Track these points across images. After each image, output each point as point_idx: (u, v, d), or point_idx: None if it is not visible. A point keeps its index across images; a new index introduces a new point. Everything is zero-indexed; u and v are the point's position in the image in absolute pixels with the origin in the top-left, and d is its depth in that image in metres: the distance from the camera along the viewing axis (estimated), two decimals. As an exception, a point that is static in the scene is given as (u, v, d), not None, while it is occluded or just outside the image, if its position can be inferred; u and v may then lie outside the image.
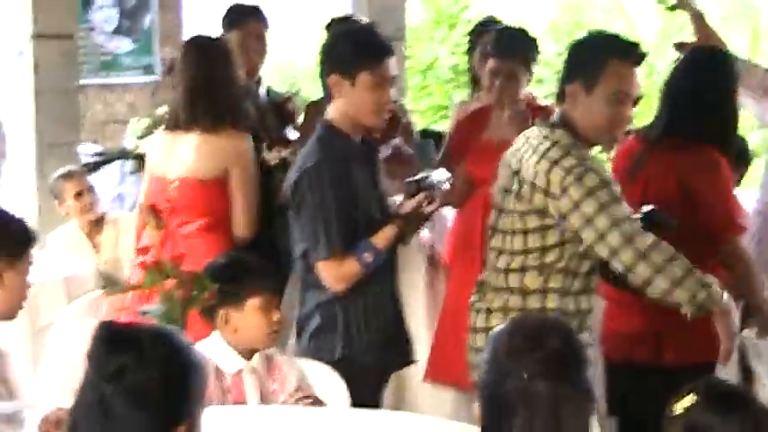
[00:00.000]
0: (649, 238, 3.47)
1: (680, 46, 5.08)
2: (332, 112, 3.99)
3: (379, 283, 4.07)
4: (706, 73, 4.33)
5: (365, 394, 4.00)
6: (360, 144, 4.06)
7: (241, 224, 4.63)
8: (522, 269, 3.60)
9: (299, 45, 10.42)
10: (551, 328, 2.45)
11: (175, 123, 4.70)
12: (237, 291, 3.44)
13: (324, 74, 4.02)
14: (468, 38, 6.25)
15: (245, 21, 5.61)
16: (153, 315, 2.92)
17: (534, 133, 3.65)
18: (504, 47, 5.13)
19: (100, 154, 7.36)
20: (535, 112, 5.22)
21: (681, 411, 2.60)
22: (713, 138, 4.20)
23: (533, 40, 5.27)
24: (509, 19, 11.24)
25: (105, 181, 7.02)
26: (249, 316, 3.48)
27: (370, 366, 4.10)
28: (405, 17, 7.59)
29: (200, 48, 4.77)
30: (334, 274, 3.91)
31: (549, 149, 3.53)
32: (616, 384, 4.27)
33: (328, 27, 5.76)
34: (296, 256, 4.09)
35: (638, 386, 4.10)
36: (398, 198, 4.21)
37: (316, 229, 3.86)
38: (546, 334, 2.40)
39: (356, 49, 3.95)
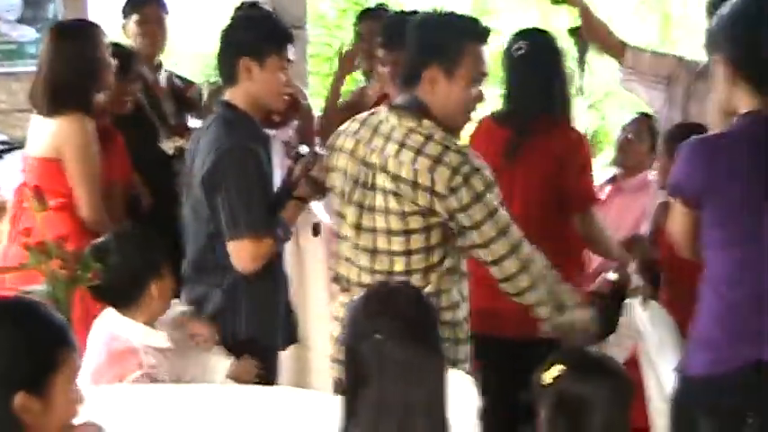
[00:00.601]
0: (528, 247, 3.57)
1: (572, 32, 5.24)
2: (235, 94, 4.09)
3: (280, 265, 4.17)
4: (548, 56, 4.51)
5: (270, 373, 4.16)
6: (258, 126, 4.19)
7: (80, 205, 4.63)
8: (408, 272, 3.56)
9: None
10: (404, 293, 2.56)
11: (35, 105, 4.73)
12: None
13: (229, 57, 4.11)
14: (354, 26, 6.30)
15: (144, 6, 5.70)
16: (37, 295, 2.99)
17: (390, 123, 3.56)
18: (394, 37, 5.21)
19: (4, 142, 7.39)
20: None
21: (549, 381, 2.72)
22: (564, 113, 4.42)
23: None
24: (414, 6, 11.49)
25: (9, 169, 7.04)
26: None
27: (271, 346, 4.21)
28: (305, 5, 7.66)
29: (56, 34, 4.82)
30: (253, 252, 3.98)
31: (424, 145, 3.48)
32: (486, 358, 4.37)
33: (237, 12, 5.81)
34: (192, 239, 4.16)
35: (508, 359, 4.22)
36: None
37: (237, 209, 3.93)
38: (398, 298, 2.51)
39: (266, 33, 4.10)
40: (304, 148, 4.54)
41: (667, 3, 13.45)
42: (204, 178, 4.00)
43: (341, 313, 3.72)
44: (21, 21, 7.90)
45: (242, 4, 5.91)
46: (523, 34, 4.80)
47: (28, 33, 7.73)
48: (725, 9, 3.44)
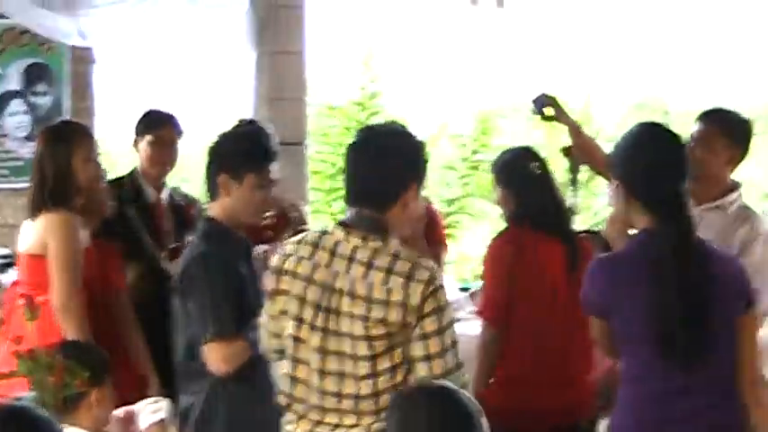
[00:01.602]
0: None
1: (565, 151, 5.42)
2: (215, 209, 4.22)
3: (263, 370, 4.18)
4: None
5: None
6: (240, 238, 4.30)
7: (52, 290, 4.65)
8: (375, 394, 3.52)
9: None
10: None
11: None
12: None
13: (210, 172, 4.24)
14: None
15: (159, 128, 5.80)
16: (26, 402, 3.08)
17: (351, 243, 3.51)
18: None
19: (6, 256, 7.51)
20: (432, 217, 5.68)
21: None
22: None
23: None
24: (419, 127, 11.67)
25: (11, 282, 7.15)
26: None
27: None
28: (305, 123, 7.84)
29: (42, 136, 4.95)
30: (223, 354, 4.04)
31: (393, 263, 3.47)
32: None
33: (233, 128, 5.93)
34: (178, 346, 4.26)
35: None
36: None
37: (205, 312, 4.03)
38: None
39: (245, 151, 4.21)
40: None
41: (664, 105, 13.65)
42: (177, 285, 4.13)
43: None
44: (29, 138, 8.09)
45: (240, 121, 6.06)
46: (534, 155, 5.22)
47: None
48: (623, 136, 3.94)
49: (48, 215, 4.70)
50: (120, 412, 3.98)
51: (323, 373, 3.54)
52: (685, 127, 4.91)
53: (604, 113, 14.23)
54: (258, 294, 4.19)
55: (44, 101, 8.21)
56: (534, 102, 5.51)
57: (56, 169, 4.74)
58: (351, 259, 3.49)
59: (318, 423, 3.56)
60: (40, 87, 8.18)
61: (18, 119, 8.12)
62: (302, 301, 3.56)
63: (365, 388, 3.51)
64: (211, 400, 4.13)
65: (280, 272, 3.61)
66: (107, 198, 5.14)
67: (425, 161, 3.68)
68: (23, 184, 7.89)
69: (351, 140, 3.70)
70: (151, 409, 3.94)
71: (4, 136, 8.07)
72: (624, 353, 3.86)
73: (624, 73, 15.12)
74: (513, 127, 13.57)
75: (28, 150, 8.10)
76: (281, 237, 5.36)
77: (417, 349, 3.49)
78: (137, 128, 5.87)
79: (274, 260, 3.65)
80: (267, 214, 4.95)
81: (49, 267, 4.65)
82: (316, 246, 3.56)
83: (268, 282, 3.65)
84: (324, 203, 10.73)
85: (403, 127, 3.70)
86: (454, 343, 3.53)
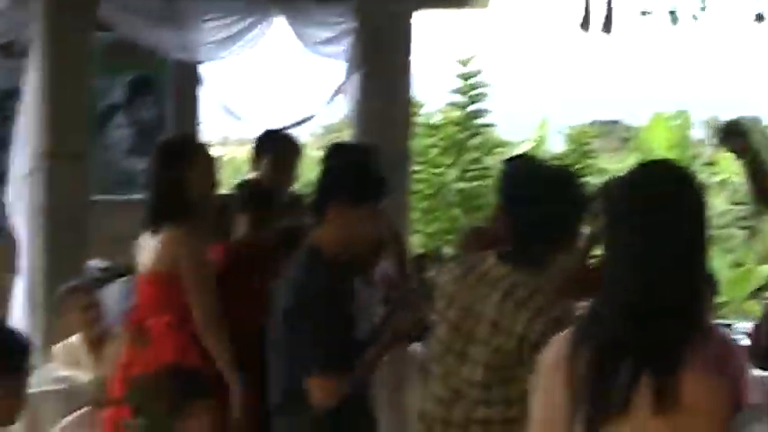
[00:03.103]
0: None
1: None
2: (323, 236, 4.14)
3: (357, 403, 4.19)
4: None
5: None
6: (349, 266, 4.23)
7: (195, 308, 4.62)
8: (485, 422, 3.52)
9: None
10: None
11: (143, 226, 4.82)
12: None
13: (323, 199, 4.17)
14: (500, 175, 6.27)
15: (279, 145, 5.80)
16: (137, 428, 3.04)
17: (499, 271, 3.52)
18: None
19: (107, 269, 7.54)
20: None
21: None
22: None
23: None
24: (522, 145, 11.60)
25: (112, 296, 7.17)
26: None
27: None
28: (408, 143, 7.78)
29: (159, 150, 4.88)
30: (326, 389, 4.00)
31: (529, 299, 3.44)
32: None
33: (333, 152, 5.86)
34: (275, 373, 4.19)
35: None
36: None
37: (311, 347, 3.98)
38: None
39: (364, 182, 4.16)
40: (393, 293, 4.58)
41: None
42: (284, 316, 4.09)
43: None
44: (132, 152, 8.15)
45: (342, 144, 5.99)
46: None
47: (137, 164, 7.91)
48: None
49: (171, 231, 4.64)
50: None
51: (447, 390, 3.56)
52: None
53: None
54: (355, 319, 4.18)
55: (148, 114, 8.26)
56: (719, 130, 5.21)
57: (173, 183, 4.71)
58: (493, 286, 3.48)
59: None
60: (145, 100, 8.23)
61: (121, 132, 8.17)
62: (446, 321, 3.59)
63: (479, 413, 3.49)
64: (320, 424, 4.09)
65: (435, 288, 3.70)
66: (229, 221, 5.14)
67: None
68: (124, 197, 7.98)
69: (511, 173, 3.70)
70: None
71: (107, 149, 8.11)
72: None
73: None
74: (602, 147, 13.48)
75: (130, 163, 8.16)
76: (377, 262, 5.30)
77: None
78: (256, 147, 5.87)
79: (436, 275, 3.76)
80: None
81: (181, 283, 4.60)
82: (469, 269, 3.58)
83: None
84: (421, 223, 10.65)
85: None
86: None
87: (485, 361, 3.46)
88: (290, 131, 6.01)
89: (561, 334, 2.59)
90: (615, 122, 18.68)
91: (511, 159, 6.22)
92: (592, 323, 2.49)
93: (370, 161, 4.40)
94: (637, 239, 2.43)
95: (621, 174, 3.57)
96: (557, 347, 2.54)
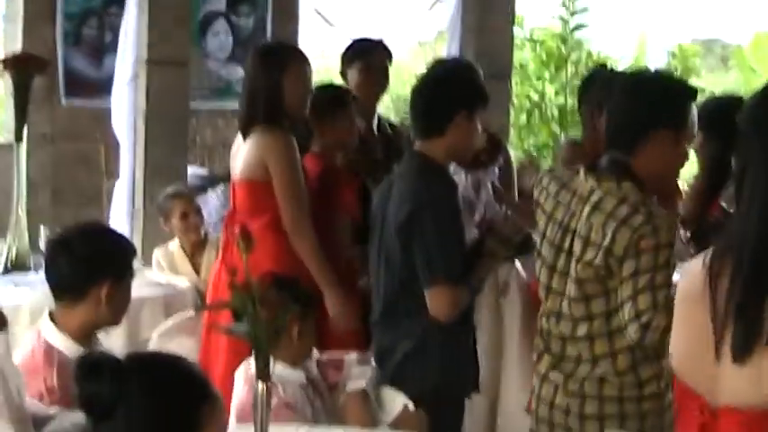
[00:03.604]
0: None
1: None
2: (436, 145, 4.13)
3: (470, 315, 4.27)
4: None
5: (458, 421, 4.22)
6: (451, 178, 4.24)
7: (282, 213, 4.62)
8: (589, 337, 3.49)
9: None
10: None
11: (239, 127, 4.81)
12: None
13: (444, 110, 4.14)
14: (581, 83, 6.14)
15: (368, 53, 5.65)
16: (238, 334, 3.05)
17: (589, 185, 3.48)
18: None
19: (207, 177, 7.60)
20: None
21: None
22: None
23: None
24: (622, 62, 11.40)
25: (211, 203, 7.23)
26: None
27: (460, 395, 4.23)
28: (511, 57, 7.67)
29: (255, 55, 4.84)
30: (451, 299, 4.03)
31: (617, 207, 3.40)
32: None
33: (436, 66, 5.74)
34: (382, 286, 4.19)
35: None
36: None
37: (435, 257, 3.99)
38: None
39: (480, 88, 4.29)
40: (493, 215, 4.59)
41: None
42: (401, 227, 4.05)
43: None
44: (231, 59, 8.14)
45: (438, 61, 5.88)
46: None
47: (236, 72, 7.93)
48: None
49: (263, 135, 4.63)
50: (332, 355, 3.95)
51: (546, 312, 3.57)
52: None
53: None
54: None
55: (247, 22, 8.24)
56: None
57: (267, 89, 4.69)
58: (585, 200, 3.44)
59: (547, 353, 3.60)
60: (244, 8, 8.21)
61: (220, 40, 8.17)
62: (543, 237, 3.59)
63: (581, 329, 3.47)
64: (424, 341, 4.09)
65: (536, 204, 3.65)
66: (354, 128, 5.09)
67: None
68: (223, 105, 8.01)
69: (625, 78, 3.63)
70: (357, 372, 3.89)
71: (207, 56, 8.12)
72: None
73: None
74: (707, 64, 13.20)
75: (229, 71, 8.17)
76: (495, 161, 5.28)
77: (623, 291, 3.39)
78: (344, 56, 5.72)
79: (535, 191, 3.67)
80: (481, 138, 4.91)
81: (269, 188, 4.61)
82: (563, 185, 3.55)
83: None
84: (519, 138, 10.54)
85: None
86: (659, 286, 3.34)
87: (577, 276, 3.44)
88: (381, 40, 5.84)
89: (696, 262, 2.51)
90: (714, 41, 18.33)
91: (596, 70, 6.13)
92: (727, 252, 2.41)
93: (477, 74, 4.41)
94: None
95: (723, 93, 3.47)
96: (692, 279, 2.48)
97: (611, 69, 6.02)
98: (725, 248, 2.41)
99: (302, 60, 4.83)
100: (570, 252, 3.48)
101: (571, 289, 3.47)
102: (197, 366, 2.38)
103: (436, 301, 4.01)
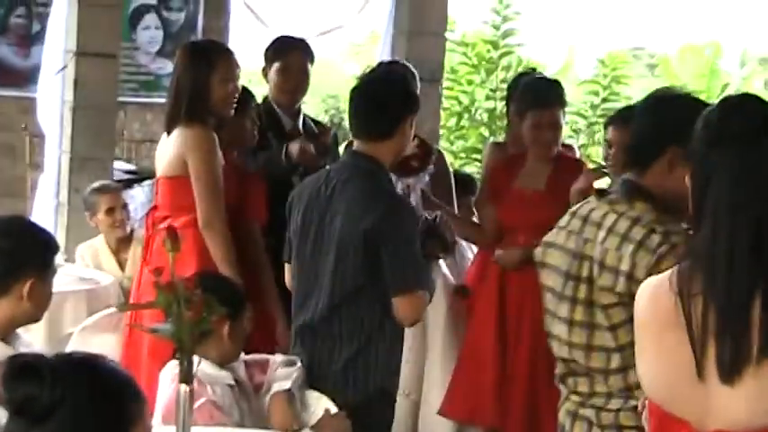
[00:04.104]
0: None
1: None
2: (382, 149, 4.11)
3: None
4: None
5: (391, 420, 4.23)
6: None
7: (197, 205, 4.57)
8: (623, 369, 3.31)
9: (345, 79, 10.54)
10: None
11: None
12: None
13: (392, 113, 4.12)
14: (507, 87, 6.19)
15: (288, 53, 5.57)
16: (163, 334, 3.02)
17: (602, 210, 3.37)
18: (543, 98, 5.21)
19: (133, 172, 7.53)
20: (567, 162, 5.36)
21: None
22: None
23: (564, 90, 5.37)
24: (551, 68, 11.51)
25: (137, 199, 7.17)
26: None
27: (394, 395, 4.27)
28: (443, 61, 7.67)
29: (184, 51, 4.81)
30: (422, 305, 4.06)
31: (630, 229, 3.29)
32: None
33: (373, 71, 5.59)
34: (322, 293, 4.16)
35: None
36: None
37: (409, 264, 3.99)
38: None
39: (409, 94, 4.27)
40: (429, 213, 4.61)
41: (721, 80, 13.26)
42: (366, 234, 3.99)
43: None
44: (161, 53, 8.08)
45: (380, 63, 5.86)
46: None
47: (165, 66, 7.87)
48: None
49: (184, 130, 4.60)
50: (257, 357, 3.92)
51: (571, 345, 3.38)
52: None
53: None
54: None
55: (178, 16, 8.18)
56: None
57: (193, 86, 4.65)
58: (599, 225, 3.32)
59: (574, 393, 3.41)
60: (175, 2, 8.15)
61: (151, 33, 8.11)
62: (557, 271, 3.42)
63: (614, 361, 3.31)
64: (368, 346, 4.09)
65: (546, 245, 3.49)
66: (252, 127, 5.04)
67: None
68: (152, 99, 7.95)
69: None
70: (282, 374, 3.87)
71: (137, 50, 8.06)
72: None
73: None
74: (635, 73, 13.34)
75: (158, 66, 8.11)
76: (426, 167, 5.27)
77: None
78: (265, 54, 5.64)
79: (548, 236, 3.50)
80: (412, 144, 4.83)
81: (191, 185, 4.56)
82: (574, 215, 3.42)
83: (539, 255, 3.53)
84: (448, 141, 10.58)
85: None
86: None
87: (602, 304, 3.32)
88: (303, 40, 5.78)
89: (657, 285, 2.41)
90: (641, 49, 18.55)
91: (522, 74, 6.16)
92: (696, 268, 2.33)
93: (410, 77, 4.40)
94: (735, 164, 2.31)
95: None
96: (657, 302, 2.38)
97: (538, 74, 6.09)
98: (692, 270, 2.32)
99: (231, 60, 4.80)
100: (591, 280, 3.34)
101: (597, 317, 3.32)
102: (120, 365, 2.36)
103: (408, 308, 4.00)
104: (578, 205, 3.48)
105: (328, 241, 4.08)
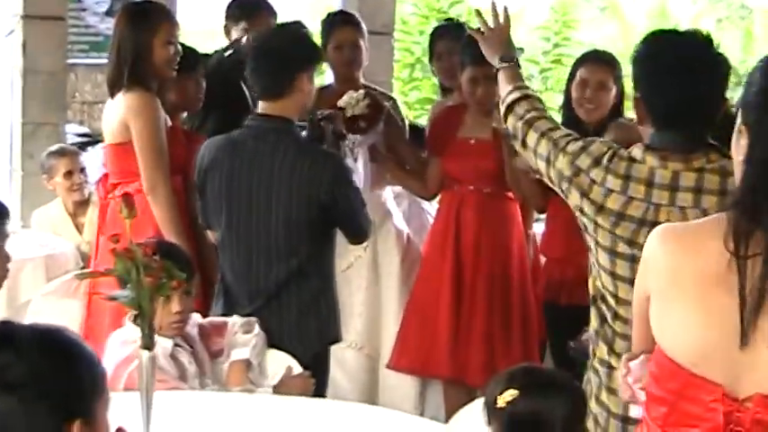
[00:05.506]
0: None
1: None
2: (286, 106, 4.20)
3: None
4: None
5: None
6: None
7: (141, 172, 4.57)
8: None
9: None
10: None
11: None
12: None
13: (288, 71, 4.20)
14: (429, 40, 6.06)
15: (253, 13, 5.52)
16: (122, 300, 3.01)
17: (671, 168, 3.06)
18: (480, 54, 5.15)
19: (86, 135, 7.46)
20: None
21: (503, 405, 2.66)
22: None
23: None
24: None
25: (91, 162, 7.11)
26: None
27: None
28: (394, 11, 7.64)
29: (124, 14, 4.77)
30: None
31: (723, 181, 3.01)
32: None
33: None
34: (274, 255, 4.18)
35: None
36: None
37: (359, 214, 4.28)
38: None
39: (316, 48, 4.43)
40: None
41: (750, 18, 13.32)
42: (323, 195, 4.09)
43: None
44: (109, 14, 7.98)
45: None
46: None
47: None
48: None
49: (127, 95, 4.56)
50: (215, 321, 3.92)
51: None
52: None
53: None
54: None
55: (125, -24, 8.10)
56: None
57: (135, 49, 4.61)
58: (673, 188, 3.05)
59: None
60: (122, -38, 8.06)
61: (98, -7, 8.01)
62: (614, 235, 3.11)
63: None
64: (317, 299, 4.23)
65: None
66: (198, 89, 5.00)
67: None
68: (102, 60, 7.85)
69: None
70: (241, 341, 3.87)
71: (84, 10, 7.94)
72: None
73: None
74: (586, 17, 13.32)
75: (107, 26, 7.99)
76: (375, 127, 5.26)
77: None
78: (227, 13, 5.62)
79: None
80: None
81: (134, 145, 4.54)
82: (626, 177, 3.08)
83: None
84: (401, 93, 10.55)
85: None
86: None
87: None
88: None
89: (707, 237, 2.21)
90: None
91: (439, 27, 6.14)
92: (754, 231, 2.15)
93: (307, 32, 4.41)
94: None
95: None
96: (709, 259, 2.18)
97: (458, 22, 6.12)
98: (749, 227, 2.14)
99: (172, 22, 4.77)
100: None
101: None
102: (81, 335, 2.35)
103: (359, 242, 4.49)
104: (625, 167, 3.12)
105: (258, 204, 4.16)
